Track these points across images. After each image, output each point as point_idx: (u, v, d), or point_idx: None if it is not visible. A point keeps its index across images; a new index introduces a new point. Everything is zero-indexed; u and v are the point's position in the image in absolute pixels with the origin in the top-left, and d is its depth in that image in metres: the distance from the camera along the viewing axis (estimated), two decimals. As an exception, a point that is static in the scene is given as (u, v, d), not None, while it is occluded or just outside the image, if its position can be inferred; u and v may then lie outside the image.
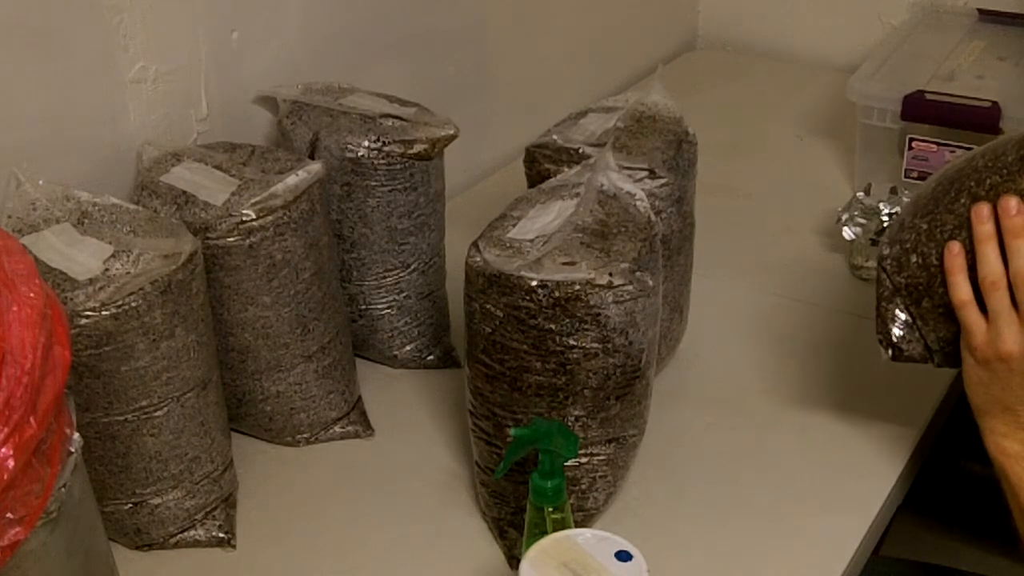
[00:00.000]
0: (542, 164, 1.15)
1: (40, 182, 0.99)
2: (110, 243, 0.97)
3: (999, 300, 0.91)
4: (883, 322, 1.01)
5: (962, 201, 0.95)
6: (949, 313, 0.95)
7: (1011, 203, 0.90)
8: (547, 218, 1.00)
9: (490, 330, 0.95)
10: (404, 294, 1.23)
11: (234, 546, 1.04)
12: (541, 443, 0.88)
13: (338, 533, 1.06)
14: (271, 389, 1.11)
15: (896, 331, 1.00)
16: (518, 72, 1.71)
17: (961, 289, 0.93)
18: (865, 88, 1.55)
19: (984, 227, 0.92)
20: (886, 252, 1.00)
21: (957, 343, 0.96)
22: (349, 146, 1.15)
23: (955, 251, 0.94)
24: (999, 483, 0.95)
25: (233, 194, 1.04)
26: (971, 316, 0.93)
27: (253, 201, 1.03)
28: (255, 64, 1.27)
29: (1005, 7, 1.78)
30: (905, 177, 1.54)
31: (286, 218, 1.04)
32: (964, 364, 0.95)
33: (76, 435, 0.80)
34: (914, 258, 0.98)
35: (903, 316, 0.99)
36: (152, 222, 1.00)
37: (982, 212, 0.92)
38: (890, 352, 1.01)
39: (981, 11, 1.79)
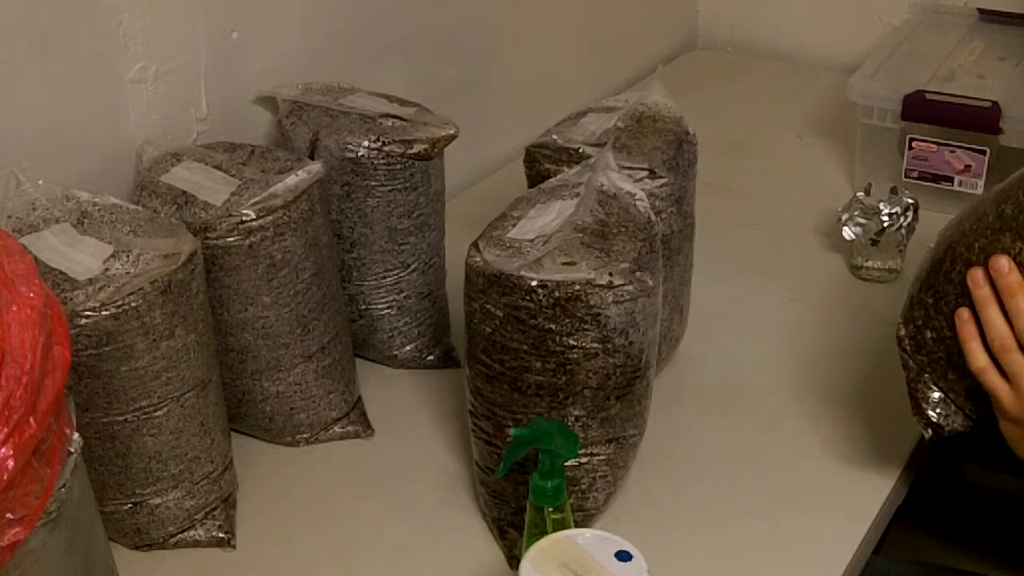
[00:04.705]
0: (542, 164, 1.15)
1: (40, 182, 0.99)
2: (110, 243, 0.97)
3: (1013, 362, 0.89)
4: (916, 403, 0.99)
5: (958, 269, 0.94)
6: (976, 380, 0.93)
7: (1001, 263, 0.89)
8: (547, 218, 1.00)
9: (490, 330, 0.95)
10: (404, 294, 1.23)
11: (234, 546, 1.04)
12: (541, 443, 0.88)
13: (338, 533, 1.06)
14: (271, 389, 1.11)
15: (932, 411, 0.98)
16: (518, 72, 1.71)
17: (977, 357, 0.91)
18: (865, 88, 1.55)
19: (981, 291, 0.91)
20: (902, 332, 0.99)
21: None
22: (349, 146, 1.15)
23: (965, 318, 0.92)
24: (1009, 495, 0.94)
25: (233, 194, 1.04)
26: (992, 380, 0.91)
27: (253, 201, 1.03)
28: (255, 64, 1.27)
29: (1005, 7, 1.78)
30: (905, 177, 1.54)
31: (286, 218, 1.04)
32: (1000, 424, 0.94)
33: (76, 435, 0.80)
34: (928, 334, 0.97)
35: (935, 394, 0.98)
36: (152, 222, 1.00)
37: (977, 277, 0.91)
38: (930, 432, 0.98)
39: (981, 11, 1.79)
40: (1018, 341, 0.89)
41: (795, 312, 1.36)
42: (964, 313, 0.92)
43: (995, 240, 0.91)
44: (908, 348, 0.99)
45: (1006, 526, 0.95)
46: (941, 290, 0.96)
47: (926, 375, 0.98)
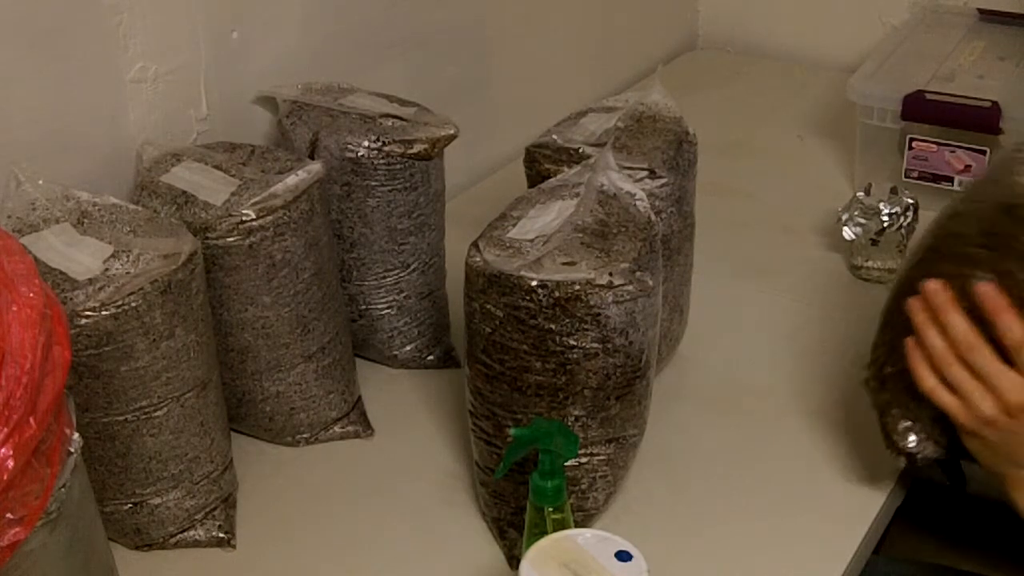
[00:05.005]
0: (542, 164, 1.15)
1: (40, 182, 0.99)
2: (110, 243, 0.97)
3: (955, 374, 0.93)
4: (888, 436, 1.03)
5: (904, 304, 0.98)
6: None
7: (930, 285, 0.94)
8: (547, 218, 1.00)
9: (490, 330, 0.95)
10: (404, 294, 1.23)
11: (234, 546, 1.04)
12: (541, 443, 0.88)
13: (338, 533, 1.06)
14: (271, 389, 1.11)
15: (902, 442, 1.01)
16: (518, 72, 1.71)
17: (926, 378, 0.95)
18: (865, 88, 1.56)
19: (919, 317, 0.95)
20: (866, 375, 1.04)
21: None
22: (349, 146, 1.15)
23: (912, 345, 0.96)
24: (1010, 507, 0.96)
25: (233, 194, 1.04)
26: (943, 398, 0.95)
27: (253, 201, 1.03)
28: (255, 64, 1.27)
29: (1005, 7, 1.78)
30: (905, 177, 1.54)
31: (286, 218, 1.04)
32: (963, 440, 0.97)
33: (76, 435, 0.80)
34: (888, 369, 1.02)
35: (903, 424, 1.01)
36: (152, 222, 1.00)
37: (914, 305, 0.96)
38: (904, 462, 1.03)
39: (981, 11, 1.79)
40: (959, 354, 0.93)
41: (795, 312, 1.36)
42: (911, 341, 0.97)
43: (929, 271, 0.96)
44: (873, 387, 1.04)
45: (1005, 527, 0.95)
46: (895, 327, 1.00)
47: (893, 409, 1.02)
